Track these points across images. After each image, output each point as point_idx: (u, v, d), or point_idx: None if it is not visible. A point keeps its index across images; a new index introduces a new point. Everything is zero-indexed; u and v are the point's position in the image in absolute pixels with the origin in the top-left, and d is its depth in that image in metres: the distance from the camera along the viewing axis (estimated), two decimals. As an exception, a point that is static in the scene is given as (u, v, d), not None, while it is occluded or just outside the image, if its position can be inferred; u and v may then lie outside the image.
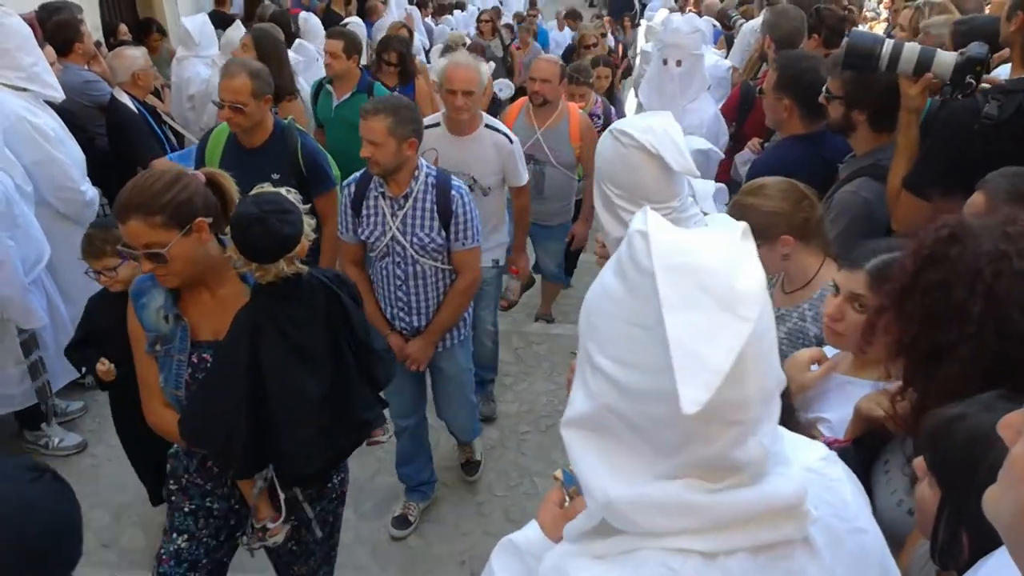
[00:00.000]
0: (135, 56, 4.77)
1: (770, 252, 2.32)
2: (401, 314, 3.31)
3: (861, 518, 1.03)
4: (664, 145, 1.98)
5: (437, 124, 3.83)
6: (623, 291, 0.88)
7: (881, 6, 14.91)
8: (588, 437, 0.94)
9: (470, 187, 3.65)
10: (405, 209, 3.14)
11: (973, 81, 2.36)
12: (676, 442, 0.88)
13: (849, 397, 1.79)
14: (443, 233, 3.16)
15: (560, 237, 5.09)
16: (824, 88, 2.79)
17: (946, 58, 2.39)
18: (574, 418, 0.95)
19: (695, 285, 0.82)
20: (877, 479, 1.54)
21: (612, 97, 6.32)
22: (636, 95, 7.02)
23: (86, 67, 4.87)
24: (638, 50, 10.27)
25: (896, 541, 1.46)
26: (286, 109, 4.14)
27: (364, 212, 3.21)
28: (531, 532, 1.11)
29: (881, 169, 2.60)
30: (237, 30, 5.61)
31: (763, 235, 2.32)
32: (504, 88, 7.13)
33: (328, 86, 4.94)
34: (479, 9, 12.24)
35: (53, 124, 3.96)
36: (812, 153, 2.99)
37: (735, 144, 3.98)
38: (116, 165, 4.48)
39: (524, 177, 4.01)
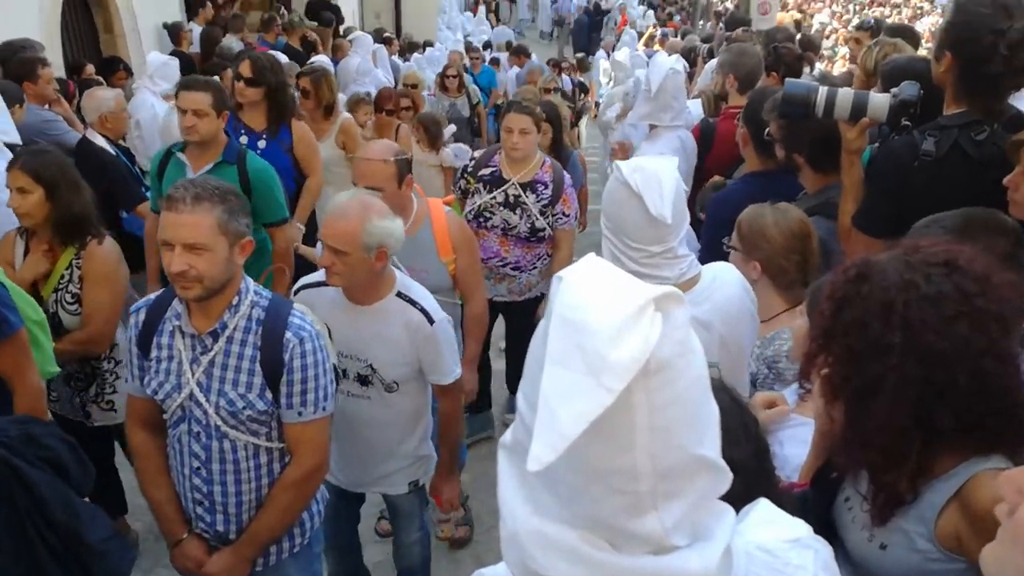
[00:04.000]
0: (105, 98, 4.73)
1: (744, 264, 2.40)
2: (200, 510, 2.29)
3: None
4: (648, 187, 2.01)
5: (324, 283, 2.63)
6: (540, 332, 0.88)
7: (837, 45, 15.33)
8: (514, 462, 0.94)
9: (364, 378, 2.67)
10: (212, 354, 2.18)
11: (908, 123, 2.42)
12: (564, 493, 0.87)
13: (798, 435, 1.81)
14: (267, 395, 2.19)
15: None
16: (766, 131, 2.86)
17: (880, 101, 2.44)
18: (504, 441, 0.96)
19: (575, 343, 0.80)
20: (841, 517, 1.55)
21: (560, 154, 4.91)
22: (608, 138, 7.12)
23: (47, 107, 4.85)
24: (600, 91, 10.44)
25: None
26: (93, 255, 2.97)
27: (154, 354, 2.24)
28: (501, 568, 1.09)
29: (832, 207, 2.65)
30: (157, 58, 5.66)
31: (746, 247, 2.40)
32: (460, 154, 5.59)
33: (179, 155, 3.71)
34: (447, 49, 12.32)
35: None
36: (768, 191, 3.03)
37: (696, 181, 4.03)
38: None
39: (453, 372, 2.76)
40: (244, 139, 4.13)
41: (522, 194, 3.98)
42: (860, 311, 1.37)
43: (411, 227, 3.11)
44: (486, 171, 4.06)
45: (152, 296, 2.33)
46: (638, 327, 0.79)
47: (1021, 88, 2.41)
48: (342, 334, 2.61)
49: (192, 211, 2.03)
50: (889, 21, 19.61)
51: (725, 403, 1.02)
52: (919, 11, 23.19)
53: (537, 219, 4.00)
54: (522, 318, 4.17)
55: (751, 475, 1.23)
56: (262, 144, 4.23)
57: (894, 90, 2.46)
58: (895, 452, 1.36)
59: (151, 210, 3.88)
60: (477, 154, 4.36)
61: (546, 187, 4.00)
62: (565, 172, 4.15)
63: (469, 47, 11.09)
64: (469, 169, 4.17)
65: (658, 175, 2.03)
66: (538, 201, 3.98)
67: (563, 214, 4.05)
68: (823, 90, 2.48)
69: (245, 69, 4.28)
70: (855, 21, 18.99)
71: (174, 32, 8.30)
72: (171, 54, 7.14)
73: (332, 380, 2.30)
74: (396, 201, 3.02)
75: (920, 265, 1.36)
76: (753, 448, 1.31)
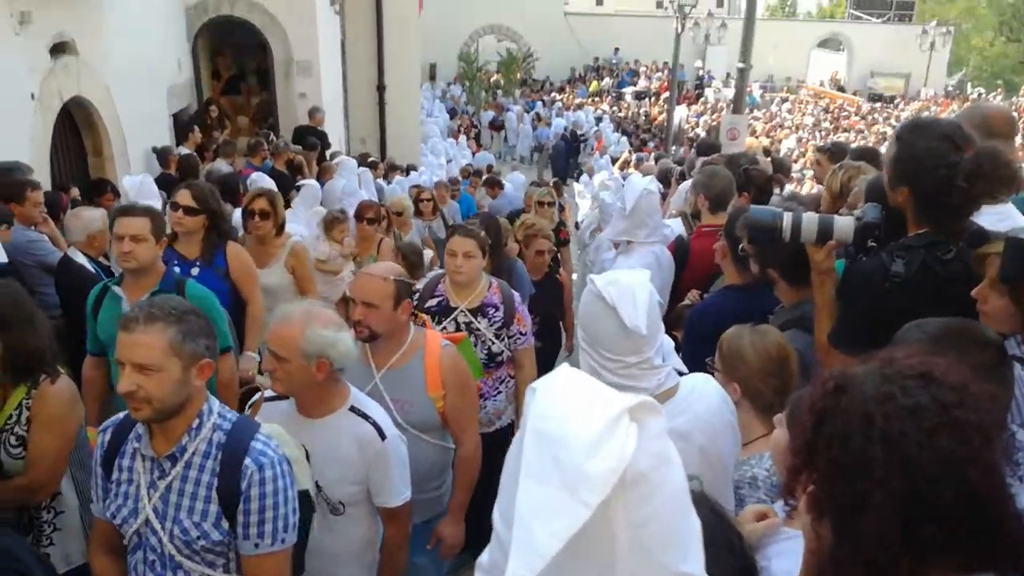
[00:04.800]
0: (93, 218, 4.79)
1: (726, 385, 2.40)
2: None
3: None
4: (623, 300, 2.05)
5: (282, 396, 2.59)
6: (515, 444, 0.86)
7: (805, 167, 15.97)
8: None
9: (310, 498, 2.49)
10: (170, 479, 2.11)
11: (874, 244, 2.49)
12: None
13: (789, 549, 1.77)
14: (223, 525, 2.10)
15: (424, 542, 3.15)
16: (740, 247, 2.94)
17: (845, 224, 2.51)
18: (481, 563, 0.92)
19: (551, 456, 0.78)
20: None
21: (500, 263, 4.58)
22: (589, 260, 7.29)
23: (32, 228, 4.91)
24: (579, 216, 10.74)
25: None
26: (45, 395, 2.73)
27: (115, 475, 2.19)
28: None
29: (809, 320, 2.70)
30: (132, 182, 5.68)
31: (726, 367, 2.41)
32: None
33: (115, 288, 3.49)
34: (432, 175, 12.69)
35: None
36: (747, 304, 3.10)
37: (672, 298, 4.11)
38: (67, 325, 4.36)
39: (401, 494, 2.64)
40: (177, 268, 3.97)
41: (473, 320, 3.81)
42: (840, 425, 1.36)
43: (402, 357, 3.04)
44: (432, 302, 3.88)
45: (121, 415, 2.26)
46: (614, 438, 0.78)
47: (980, 209, 2.51)
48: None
49: (145, 331, 2.02)
50: (853, 146, 20.49)
51: (707, 517, 0.99)
52: (882, 136, 24.34)
53: (493, 343, 3.83)
54: (494, 452, 3.79)
55: None
56: (195, 272, 4.04)
57: (857, 213, 2.55)
58: (885, 570, 1.32)
59: (88, 351, 3.60)
60: (420, 285, 4.13)
61: (497, 309, 3.83)
62: (513, 290, 3.98)
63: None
64: (414, 303, 3.80)
65: (632, 287, 2.07)
66: (491, 325, 3.82)
67: (520, 333, 3.88)
68: (788, 216, 2.53)
69: (184, 198, 4.07)
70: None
71: (162, 156, 8.53)
72: (159, 177, 7.31)
73: (295, 509, 2.20)
74: (389, 325, 2.97)
75: (896, 377, 1.36)
76: (738, 565, 1.27)
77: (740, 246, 2.96)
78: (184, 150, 9.04)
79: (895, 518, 1.29)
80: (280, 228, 4.85)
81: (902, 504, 1.29)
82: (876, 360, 1.44)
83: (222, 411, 2.19)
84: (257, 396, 2.72)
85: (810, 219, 2.52)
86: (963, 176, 2.30)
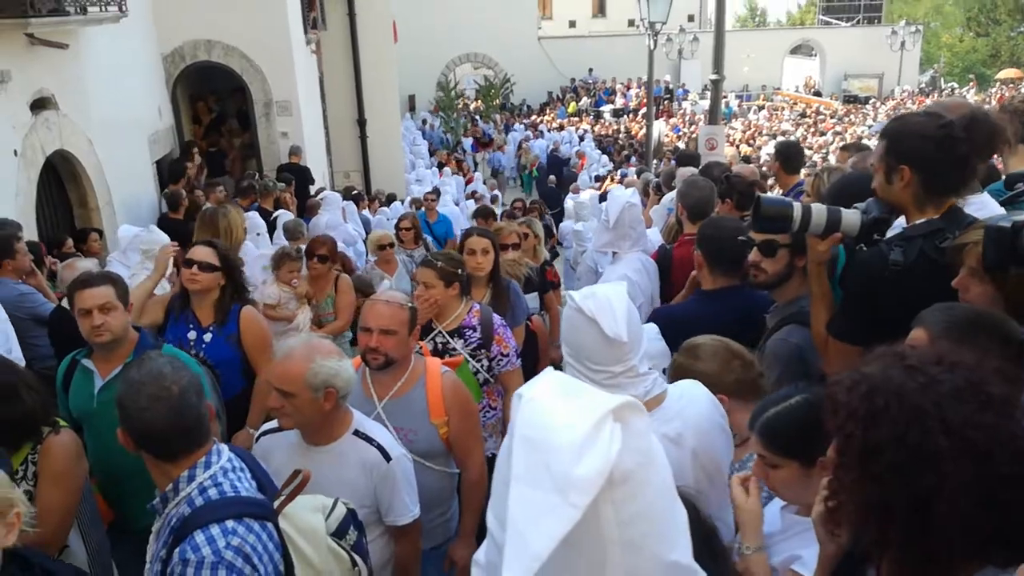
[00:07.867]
0: (86, 268, 4.68)
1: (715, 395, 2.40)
2: None
3: None
4: (602, 311, 2.09)
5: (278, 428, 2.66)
6: (505, 450, 0.89)
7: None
8: None
9: None
10: (150, 554, 2.14)
11: (878, 237, 2.55)
12: None
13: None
14: None
15: (437, 567, 3.18)
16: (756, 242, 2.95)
17: (852, 217, 2.57)
18: (478, 560, 0.95)
19: (541, 462, 0.81)
20: None
21: (497, 282, 4.41)
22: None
23: (21, 281, 4.91)
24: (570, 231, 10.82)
25: None
26: (50, 450, 2.68)
27: None
28: None
29: (806, 315, 2.74)
30: (127, 231, 5.52)
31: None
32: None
33: (85, 361, 3.26)
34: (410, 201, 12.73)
35: None
36: (715, 309, 3.14)
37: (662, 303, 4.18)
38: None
39: (410, 511, 2.71)
40: (192, 334, 3.81)
41: (450, 340, 3.78)
42: (890, 425, 1.30)
43: (403, 386, 3.05)
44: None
45: None
46: (599, 441, 0.81)
47: (977, 175, 2.50)
48: None
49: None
50: (832, 147, 20.70)
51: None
52: (859, 136, 24.56)
53: (468, 362, 3.74)
54: None
55: None
56: (208, 338, 3.83)
57: (860, 205, 2.60)
58: (947, 566, 1.29)
59: (64, 425, 2.90)
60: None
61: (474, 331, 3.78)
62: (495, 315, 3.93)
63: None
64: None
65: (609, 299, 2.12)
66: (467, 346, 3.78)
67: (501, 355, 3.80)
68: (798, 205, 2.59)
69: (201, 254, 3.82)
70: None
71: (173, 201, 8.32)
72: (161, 222, 7.27)
73: None
74: (403, 351, 3.02)
75: (921, 366, 1.33)
76: (706, 550, 1.26)
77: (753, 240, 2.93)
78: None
79: (968, 506, 1.25)
80: None
81: (975, 491, 1.24)
82: (883, 357, 1.40)
83: (206, 483, 2.03)
84: (259, 432, 2.73)
85: (819, 211, 2.58)
86: (961, 128, 2.32)
